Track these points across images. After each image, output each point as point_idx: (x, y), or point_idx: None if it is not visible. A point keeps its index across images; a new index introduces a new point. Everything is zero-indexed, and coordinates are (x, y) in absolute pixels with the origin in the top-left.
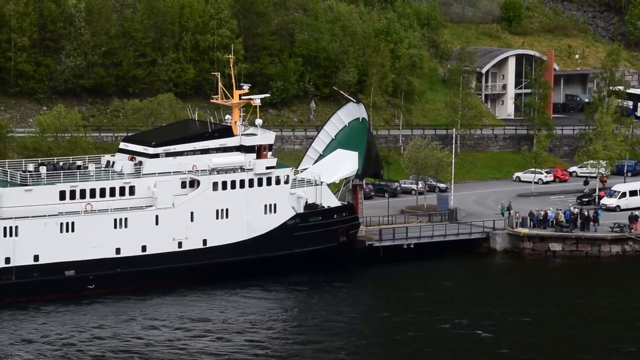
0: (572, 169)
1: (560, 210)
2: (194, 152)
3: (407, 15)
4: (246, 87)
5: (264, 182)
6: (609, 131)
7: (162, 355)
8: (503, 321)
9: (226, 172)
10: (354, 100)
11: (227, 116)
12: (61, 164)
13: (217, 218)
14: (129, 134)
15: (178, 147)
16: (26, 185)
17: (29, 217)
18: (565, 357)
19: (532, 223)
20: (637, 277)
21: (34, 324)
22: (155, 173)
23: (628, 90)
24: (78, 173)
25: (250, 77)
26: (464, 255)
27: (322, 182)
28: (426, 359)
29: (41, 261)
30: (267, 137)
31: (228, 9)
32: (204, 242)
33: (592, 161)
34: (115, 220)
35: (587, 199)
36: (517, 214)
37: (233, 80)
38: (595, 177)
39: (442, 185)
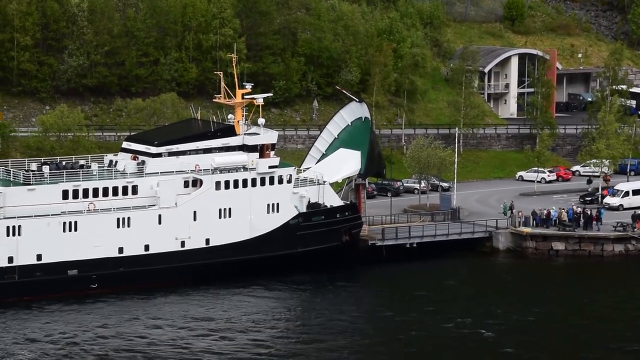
0: (575, 168)
1: (563, 209)
2: (196, 151)
3: (410, 14)
4: (249, 87)
5: (267, 181)
6: (611, 130)
7: (165, 354)
8: (506, 320)
9: (229, 172)
10: (357, 100)
11: (230, 115)
12: (64, 163)
13: (220, 217)
14: (132, 134)
15: (181, 146)
16: (29, 184)
17: (32, 216)
18: (568, 356)
19: (534, 222)
20: None
21: (37, 323)
22: (158, 172)
23: (631, 89)
24: (81, 172)
25: (252, 77)
26: (467, 254)
27: (324, 182)
28: (429, 358)
29: (44, 260)
30: (269, 136)
31: (231, 8)
32: (207, 241)
33: (595, 160)
34: (118, 219)
35: (590, 198)
36: (520, 213)
37: (236, 79)
38: (598, 176)
39: (444, 185)
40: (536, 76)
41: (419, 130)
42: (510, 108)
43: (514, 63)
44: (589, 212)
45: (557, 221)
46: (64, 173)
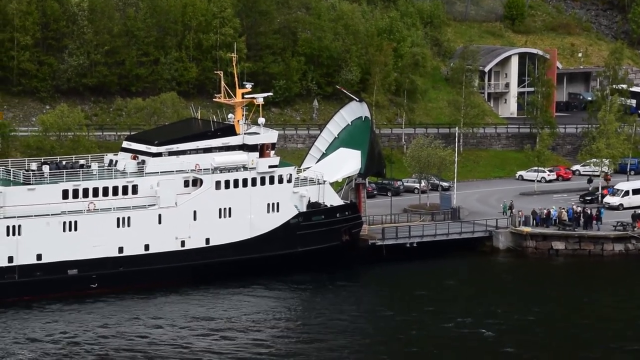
0: (575, 167)
1: (563, 208)
2: (196, 151)
3: (410, 13)
4: (249, 86)
5: (267, 180)
6: (612, 129)
7: (165, 354)
8: (506, 320)
9: (229, 171)
10: (357, 99)
11: (230, 115)
12: (64, 162)
13: (220, 217)
14: (132, 133)
15: (181, 146)
16: (29, 184)
17: (32, 216)
18: (568, 355)
19: (534, 222)
20: None
21: (38, 322)
22: (158, 172)
23: (631, 89)
24: (81, 172)
25: (253, 76)
26: (467, 254)
27: (324, 181)
28: (430, 357)
29: (44, 260)
30: (269, 135)
31: (231, 8)
32: (207, 241)
33: (595, 160)
34: (118, 219)
35: (590, 198)
36: (520, 213)
37: (236, 79)
38: (598, 176)
39: (444, 184)
40: (536, 75)
41: (419, 129)
42: (510, 107)
43: (514, 62)
44: (589, 212)
45: (557, 221)
46: (64, 173)
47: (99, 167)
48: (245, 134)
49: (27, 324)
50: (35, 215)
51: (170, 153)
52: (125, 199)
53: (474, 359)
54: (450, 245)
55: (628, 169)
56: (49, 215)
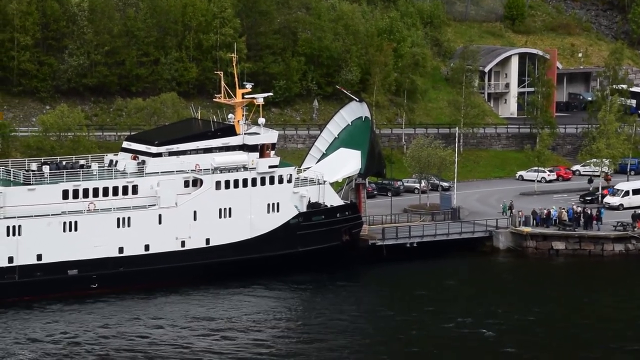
0: (575, 167)
1: (564, 208)
2: (196, 151)
3: (410, 13)
4: (249, 86)
5: (267, 181)
6: (612, 130)
7: (166, 354)
8: (506, 320)
9: (229, 171)
10: (357, 99)
11: (230, 115)
12: (64, 163)
13: (220, 217)
14: (132, 133)
15: (181, 146)
16: (29, 184)
17: (32, 216)
18: (568, 355)
19: (535, 222)
20: None
21: (38, 323)
22: (158, 172)
23: (631, 89)
24: (81, 172)
25: (253, 76)
26: (467, 254)
27: (325, 181)
28: (430, 357)
29: (44, 260)
30: (270, 136)
31: (231, 8)
32: (207, 241)
33: (595, 160)
34: (118, 219)
35: (590, 198)
36: (520, 213)
37: (236, 79)
38: (598, 176)
39: (445, 184)
40: (536, 76)
41: (419, 129)
42: (510, 107)
43: (514, 62)
44: (589, 212)
45: (558, 221)
46: (64, 173)
47: (99, 167)
48: (245, 134)
49: (28, 324)
50: (35, 216)
51: (171, 153)
52: (126, 199)
53: (474, 359)
54: (450, 246)
55: (628, 169)
56: (49, 215)
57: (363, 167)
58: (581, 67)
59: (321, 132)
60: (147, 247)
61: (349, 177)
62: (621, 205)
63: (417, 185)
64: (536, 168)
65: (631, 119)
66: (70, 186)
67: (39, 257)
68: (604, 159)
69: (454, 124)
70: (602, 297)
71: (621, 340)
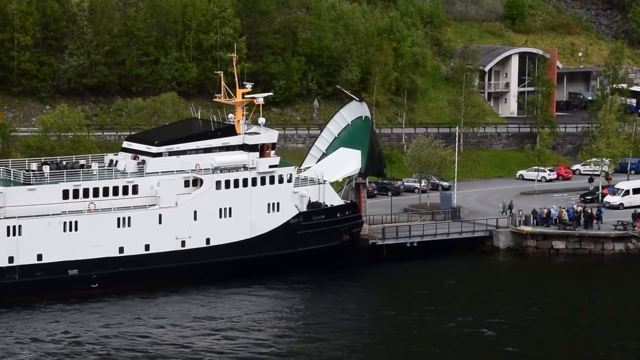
0: (575, 167)
1: (564, 208)
2: (197, 150)
3: (410, 13)
4: (249, 86)
5: (267, 180)
6: (612, 129)
7: (167, 353)
8: (507, 319)
9: (229, 171)
10: (357, 99)
11: (230, 115)
12: (64, 163)
13: (220, 217)
14: (132, 133)
15: (181, 145)
16: (29, 184)
17: (32, 216)
18: (569, 355)
19: (535, 221)
20: None
21: (40, 322)
22: (158, 172)
23: (631, 88)
24: (81, 172)
25: (253, 76)
26: (467, 253)
27: (325, 181)
28: (430, 357)
29: (44, 260)
30: (270, 135)
31: (231, 8)
32: (207, 241)
33: (595, 159)
34: (118, 219)
35: (590, 197)
36: (520, 212)
37: (236, 78)
38: (599, 175)
39: (445, 184)
40: (536, 75)
41: (420, 129)
42: (510, 107)
43: (514, 62)
44: (589, 211)
45: (558, 220)
46: (64, 173)
47: (99, 167)
48: (245, 133)
49: (29, 324)
50: (35, 216)
51: (171, 153)
52: (126, 199)
53: (475, 359)
54: (450, 245)
55: (628, 169)
56: (49, 215)
57: (363, 166)
58: (581, 66)
59: (321, 131)
60: (147, 247)
61: (349, 177)
62: (621, 204)
63: (417, 185)
64: (536, 167)
65: (631, 119)
66: (70, 186)
67: (39, 257)
68: (604, 159)
69: (454, 123)
70: (602, 296)
71: (621, 340)
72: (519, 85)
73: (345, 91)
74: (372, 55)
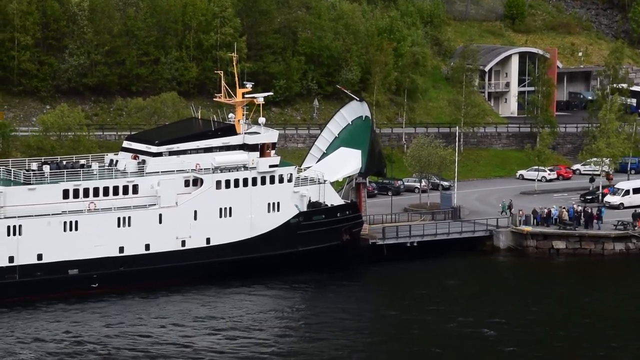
0: (575, 166)
1: (564, 208)
2: (197, 150)
3: (410, 13)
4: (249, 86)
5: (267, 180)
6: (612, 129)
7: (168, 353)
8: (507, 319)
9: (229, 171)
10: (357, 99)
11: (230, 115)
12: (64, 162)
13: (221, 217)
14: (132, 133)
15: (181, 145)
16: (29, 184)
17: (32, 216)
18: (569, 355)
19: (535, 221)
20: None
21: (41, 322)
22: (158, 172)
23: (631, 88)
24: (81, 172)
25: (253, 76)
26: (468, 253)
27: (325, 181)
28: (431, 357)
29: (45, 260)
30: (270, 135)
31: (231, 8)
32: (208, 240)
33: (595, 159)
34: (118, 218)
35: (590, 197)
36: (521, 212)
37: (236, 78)
38: (599, 175)
39: (445, 183)
40: (537, 75)
41: (420, 129)
42: (510, 107)
43: (515, 62)
44: (589, 211)
45: (558, 220)
46: (65, 172)
47: (99, 167)
48: (245, 133)
49: (31, 324)
50: (35, 215)
51: (171, 153)
52: (126, 199)
53: (475, 358)
54: (450, 245)
55: (628, 168)
56: (49, 215)
57: (363, 166)
58: (581, 66)
59: (321, 131)
60: (147, 247)
61: (349, 177)
62: (621, 204)
63: (417, 185)
64: (536, 167)
65: (631, 118)
66: (70, 186)
67: (40, 256)
68: (604, 158)
69: (454, 123)
70: (602, 296)
71: (622, 340)
72: (519, 85)
73: (346, 91)
74: (372, 55)
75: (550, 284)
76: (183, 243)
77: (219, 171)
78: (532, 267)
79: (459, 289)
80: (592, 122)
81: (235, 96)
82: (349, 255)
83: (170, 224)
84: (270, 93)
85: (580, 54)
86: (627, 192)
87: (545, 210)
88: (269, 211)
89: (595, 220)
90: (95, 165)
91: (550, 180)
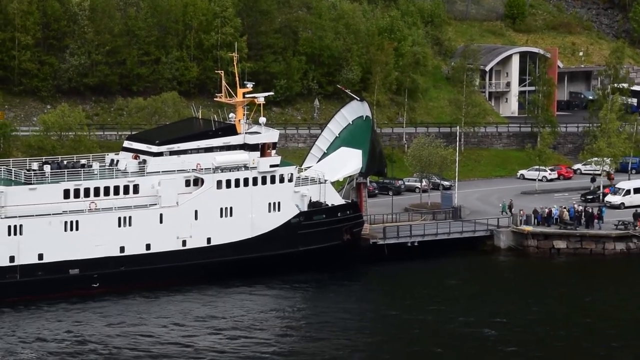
0: (576, 166)
1: (565, 207)
2: (197, 150)
3: (411, 12)
4: (250, 86)
5: (268, 180)
6: (613, 128)
7: (169, 352)
8: (508, 319)
9: (230, 171)
10: (358, 98)
11: (231, 114)
12: (65, 162)
13: (221, 216)
14: (133, 133)
15: (182, 145)
16: (30, 184)
17: (33, 215)
18: (569, 354)
19: (536, 220)
20: None
21: (42, 322)
22: (159, 171)
23: (632, 88)
24: (82, 172)
25: (254, 75)
26: (468, 253)
27: (326, 180)
28: (432, 356)
29: (45, 260)
30: (270, 135)
31: (232, 7)
32: (208, 240)
33: (596, 158)
34: (119, 218)
35: (591, 197)
36: (522, 212)
37: (237, 78)
38: (600, 174)
39: (446, 183)
40: (537, 74)
41: (420, 128)
42: (511, 106)
43: (515, 61)
44: (590, 211)
45: (559, 219)
46: (65, 172)
47: (100, 166)
48: (246, 133)
49: (32, 324)
50: (36, 215)
51: (172, 152)
52: (127, 199)
53: (476, 358)
54: (451, 245)
55: (629, 168)
56: (50, 215)
57: (364, 166)
58: (582, 66)
59: (322, 131)
60: (148, 247)
61: (350, 176)
62: (622, 204)
63: (418, 185)
64: (537, 167)
65: (632, 118)
66: (71, 185)
67: (40, 256)
68: (605, 158)
69: (455, 123)
70: (603, 296)
71: (623, 339)
72: (519, 85)
73: (346, 90)
74: (372, 54)
75: (551, 284)
76: (184, 243)
77: (219, 171)
78: (532, 266)
79: (460, 288)
80: (593, 121)
81: (236, 96)
82: (350, 255)
83: (171, 224)
84: (271, 93)
85: (581, 53)
86: (627, 192)
87: (546, 210)
88: (269, 211)
89: (596, 220)
90: (96, 165)
91: (551, 180)
